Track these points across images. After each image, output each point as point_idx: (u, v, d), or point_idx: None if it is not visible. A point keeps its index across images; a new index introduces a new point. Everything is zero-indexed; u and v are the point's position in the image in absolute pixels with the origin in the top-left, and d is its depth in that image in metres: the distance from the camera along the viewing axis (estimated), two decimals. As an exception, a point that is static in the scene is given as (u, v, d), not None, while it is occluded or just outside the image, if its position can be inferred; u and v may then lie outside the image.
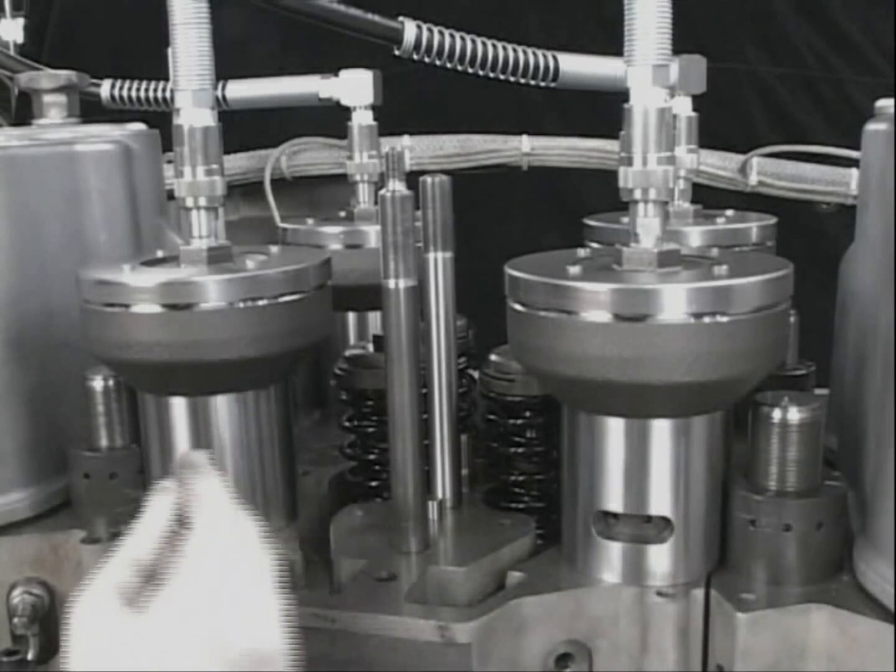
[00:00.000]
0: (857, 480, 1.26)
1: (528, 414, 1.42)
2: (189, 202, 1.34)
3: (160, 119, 1.77)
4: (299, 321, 1.33)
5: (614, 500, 1.23)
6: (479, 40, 1.85)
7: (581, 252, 1.33)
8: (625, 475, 1.22)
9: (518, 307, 1.21)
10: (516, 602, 1.21)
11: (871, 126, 1.42)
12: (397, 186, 1.26)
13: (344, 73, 1.95)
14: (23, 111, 2.43)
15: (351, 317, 1.86)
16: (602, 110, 1.47)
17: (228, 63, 1.45)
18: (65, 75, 1.79)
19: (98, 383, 1.45)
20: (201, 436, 1.35)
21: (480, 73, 1.87)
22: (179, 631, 0.97)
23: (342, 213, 1.96)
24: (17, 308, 1.48)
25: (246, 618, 0.98)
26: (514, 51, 1.85)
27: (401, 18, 1.84)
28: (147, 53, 1.66)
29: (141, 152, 1.66)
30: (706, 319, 1.12)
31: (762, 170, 2.28)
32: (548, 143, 2.42)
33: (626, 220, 1.34)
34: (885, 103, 1.50)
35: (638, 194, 1.19)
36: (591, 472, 1.24)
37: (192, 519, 1.05)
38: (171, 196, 1.50)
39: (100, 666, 0.97)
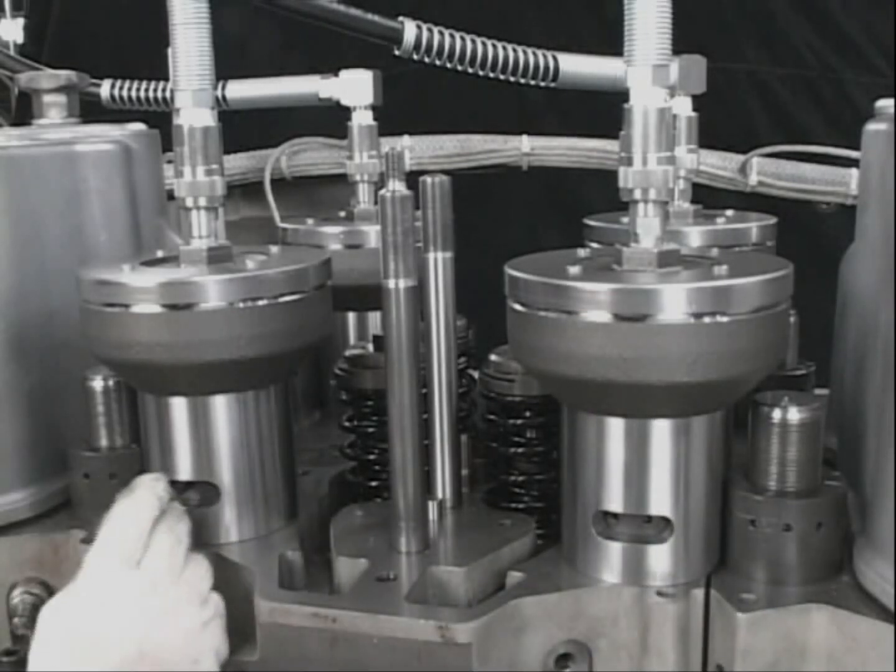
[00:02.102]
0: (857, 480, 1.26)
1: (528, 414, 1.41)
2: (189, 202, 1.34)
3: (160, 119, 1.77)
4: (299, 321, 1.33)
5: (614, 500, 1.23)
6: (479, 40, 1.85)
7: (581, 252, 1.33)
8: (625, 475, 1.22)
9: (518, 307, 1.21)
10: (516, 602, 1.21)
11: (871, 126, 1.42)
12: (397, 186, 1.26)
13: (344, 73, 1.95)
14: (23, 111, 2.43)
15: (351, 317, 1.86)
16: (602, 110, 1.47)
17: (228, 63, 1.45)
18: (65, 75, 1.79)
19: (98, 383, 1.45)
20: (201, 435, 1.35)
21: (480, 73, 1.86)
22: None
23: (342, 213, 1.96)
24: (17, 308, 1.48)
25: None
26: (514, 51, 1.85)
27: (401, 18, 1.84)
28: (147, 53, 1.66)
29: (141, 152, 1.66)
30: (706, 319, 1.12)
31: (762, 170, 2.28)
32: (548, 143, 2.42)
33: (626, 220, 1.34)
34: (885, 103, 1.50)
35: (638, 194, 1.19)
36: (590, 472, 1.24)
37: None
38: (171, 196, 1.50)
39: (94, 607, 1.15)
